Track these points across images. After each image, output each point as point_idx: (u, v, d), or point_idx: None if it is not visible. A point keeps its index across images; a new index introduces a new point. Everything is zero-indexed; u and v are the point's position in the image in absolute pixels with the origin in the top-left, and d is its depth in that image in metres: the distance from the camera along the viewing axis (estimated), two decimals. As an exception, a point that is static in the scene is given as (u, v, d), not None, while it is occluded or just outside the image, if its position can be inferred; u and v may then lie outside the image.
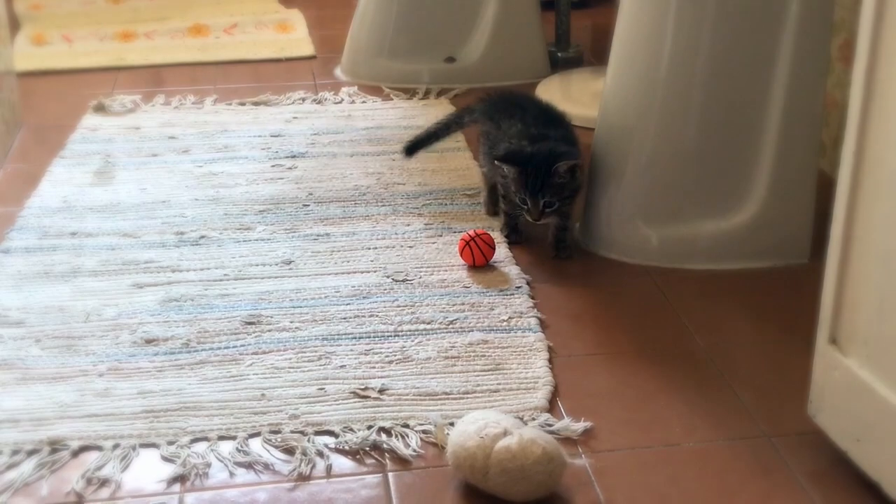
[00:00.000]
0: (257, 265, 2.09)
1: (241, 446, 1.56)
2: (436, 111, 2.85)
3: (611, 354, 1.81)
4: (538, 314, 1.91)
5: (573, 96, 2.97)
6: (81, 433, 1.59)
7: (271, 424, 1.61)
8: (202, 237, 2.20)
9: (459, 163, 2.58)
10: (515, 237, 2.17)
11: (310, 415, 1.63)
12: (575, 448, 1.55)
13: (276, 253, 2.14)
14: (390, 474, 1.51)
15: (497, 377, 1.72)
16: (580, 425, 1.60)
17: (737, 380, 1.72)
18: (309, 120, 2.89)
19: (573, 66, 3.32)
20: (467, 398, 1.67)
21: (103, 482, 1.50)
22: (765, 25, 1.99)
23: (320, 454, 1.55)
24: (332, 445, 1.57)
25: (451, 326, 1.86)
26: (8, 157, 2.68)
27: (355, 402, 1.66)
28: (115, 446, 1.56)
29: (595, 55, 3.39)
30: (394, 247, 2.16)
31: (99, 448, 1.56)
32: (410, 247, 2.16)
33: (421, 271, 2.06)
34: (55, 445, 1.56)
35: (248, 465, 1.53)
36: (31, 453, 1.55)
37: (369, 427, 1.60)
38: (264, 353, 1.79)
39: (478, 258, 2.06)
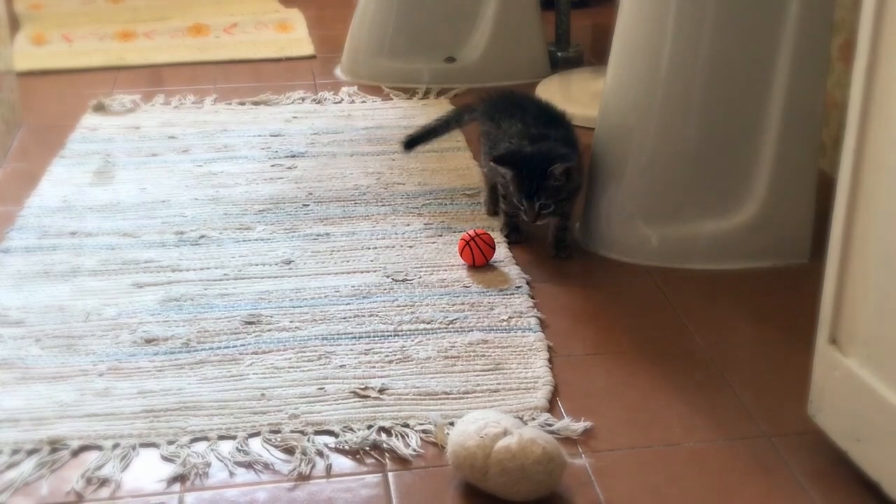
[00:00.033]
0: (257, 265, 2.09)
1: (241, 446, 1.56)
2: (436, 111, 2.85)
3: (611, 354, 1.81)
4: (538, 314, 1.91)
5: (573, 96, 2.97)
6: (81, 433, 1.59)
7: (271, 424, 1.61)
8: (202, 237, 2.21)
9: (459, 162, 2.58)
10: (515, 237, 2.17)
11: (310, 414, 1.63)
12: (575, 448, 1.55)
13: (276, 253, 2.14)
14: (390, 474, 1.51)
15: (497, 377, 1.72)
16: (580, 425, 1.60)
17: (737, 380, 1.72)
18: (309, 120, 2.89)
19: (573, 66, 3.32)
20: (467, 398, 1.67)
21: (103, 482, 1.50)
22: (765, 25, 1.99)
23: (320, 454, 1.55)
24: (332, 445, 1.57)
25: (450, 326, 1.86)
26: (8, 156, 2.68)
27: (355, 401, 1.66)
28: (115, 446, 1.56)
29: (595, 55, 3.39)
30: (394, 246, 2.16)
31: (99, 448, 1.56)
32: (410, 246, 2.16)
33: (421, 271, 2.06)
34: (55, 445, 1.56)
35: (248, 465, 1.53)
36: (31, 453, 1.55)
37: (369, 427, 1.60)
38: (264, 352, 1.79)
39: (478, 258, 2.06)
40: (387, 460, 1.54)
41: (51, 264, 2.10)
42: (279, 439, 1.57)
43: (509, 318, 1.89)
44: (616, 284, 2.05)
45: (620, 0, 2.14)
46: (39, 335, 1.85)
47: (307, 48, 3.54)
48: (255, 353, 1.79)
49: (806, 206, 2.07)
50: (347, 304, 1.94)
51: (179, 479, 1.51)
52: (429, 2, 3.16)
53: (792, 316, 1.89)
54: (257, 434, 1.59)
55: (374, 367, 1.75)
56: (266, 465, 1.53)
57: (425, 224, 2.25)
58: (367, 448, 1.56)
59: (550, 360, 1.77)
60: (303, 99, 3.05)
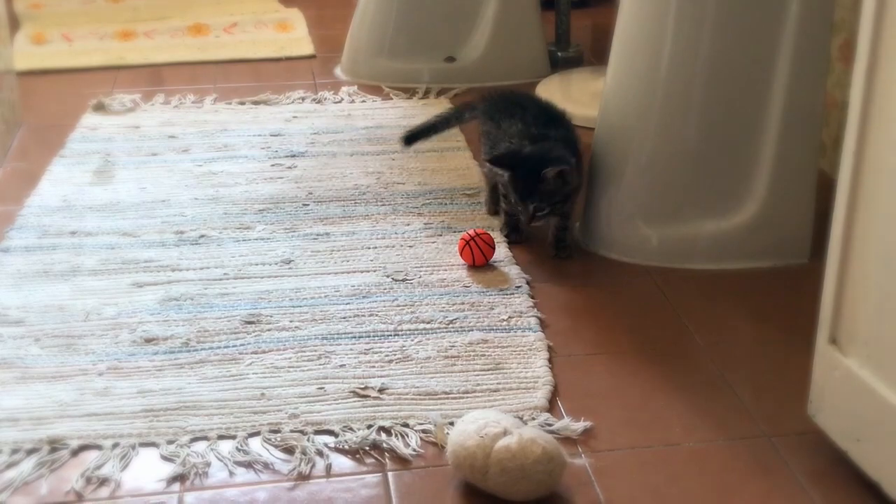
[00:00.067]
0: (257, 264, 2.09)
1: (241, 445, 1.56)
2: (435, 111, 2.83)
3: (611, 354, 1.81)
4: (538, 314, 1.91)
5: (573, 96, 2.97)
6: (81, 432, 1.59)
7: (271, 424, 1.60)
8: (202, 236, 2.20)
9: (459, 162, 2.58)
10: (515, 237, 2.17)
11: (309, 414, 1.62)
12: (575, 448, 1.55)
13: (276, 252, 2.13)
14: (390, 474, 1.51)
15: (497, 377, 1.72)
16: (580, 425, 1.59)
17: (737, 379, 1.72)
18: (309, 119, 2.89)
19: (573, 66, 3.32)
20: (467, 397, 1.66)
21: (103, 481, 1.50)
22: (765, 25, 1.99)
23: (320, 453, 1.55)
24: (332, 445, 1.56)
25: (450, 326, 1.86)
26: (8, 156, 2.68)
27: (355, 401, 1.66)
28: (115, 445, 1.56)
29: (595, 55, 3.39)
30: (393, 246, 2.16)
31: (98, 447, 1.56)
32: (410, 246, 2.16)
33: (421, 271, 2.06)
34: (55, 444, 1.56)
35: (248, 465, 1.53)
36: (30, 452, 1.55)
37: (369, 426, 1.60)
38: (264, 352, 1.79)
39: (478, 258, 2.06)
40: (387, 460, 1.54)
41: (50, 264, 2.10)
42: (279, 439, 1.57)
43: (509, 317, 1.89)
44: (616, 284, 2.05)
45: (620, 0, 2.14)
46: (39, 335, 1.85)
47: (307, 48, 3.54)
48: (255, 353, 1.78)
49: (806, 206, 2.07)
50: (347, 303, 1.94)
51: (179, 478, 1.51)
52: (429, 2, 3.16)
53: (792, 316, 1.89)
54: (257, 434, 1.59)
55: (373, 366, 1.75)
56: (266, 465, 1.53)
57: (425, 224, 2.25)
58: (367, 448, 1.56)
59: (550, 360, 1.77)
60: (303, 98, 3.05)
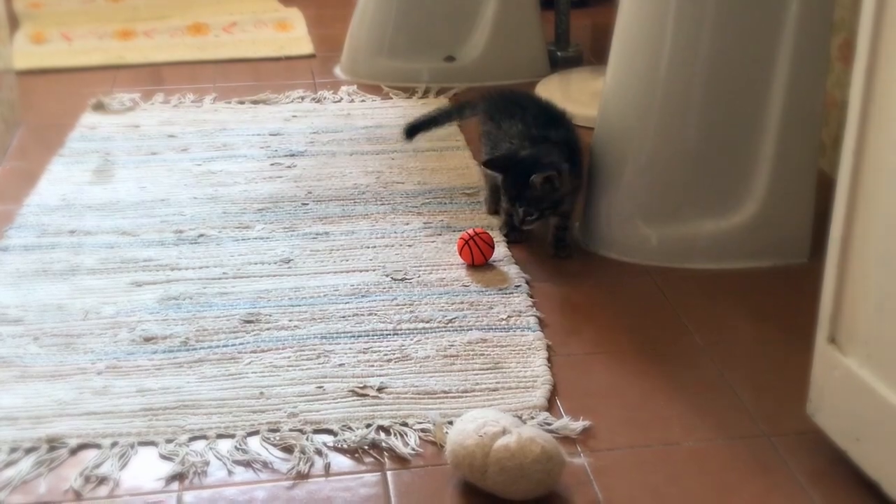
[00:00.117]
0: (256, 264, 2.09)
1: (240, 444, 1.56)
2: (435, 110, 2.85)
3: (610, 353, 1.81)
4: (537, 313, 1.90)
5: (573, 95, 2.97)
6: (80, 431, 1.59)
7: (270, 423, 1.60)
8: (201, 235, 2.20)
9: (459, 162, 2.58)
10: (515, 236, 2.17)
11: (308, 413, 1.62)
12: (574, 447, 1.55)
13: (275, 251, 2.13)
14: (389, 473, 1.51)
15: (496, 376, 1.72)
16: (579, 424, 1.59)
17: (736, 379, 1.72)
18: (308, 118, 2.89)
19: (573, 66, 3.32)
20: (466, 397, 1.66)
21: (102, 480, 1.50)
22: (765, 25, 1.99)
23: (319, 452, 1.55)
24: (331, 444, 1.56)
25: (449, 325, 1.86)
26: (7, 155, 2.68)
27: (354, 400, 1.66)
28: (114, 444, 1.56)
29: (594, 54, 3.39)
30: (393, 245, 2.16)
31: (97, 446, 1.56)
32: (409, 245, 2.15)
33: (420, 270, 2.06)
34: (53, 443, 1.56)
35: (247, 464, 1.53)
36: (29, 451, 1.55)
37: (368, 425, 1.59)
38: (263, 351, 1.79)
39: (477, 257, 2.06)
40: (385, 459, 1.54)
41: (49, 263, 2.10)
42: (278, 438, 1.57)
43: (508, 317, 1.89)
44: (615, 284, 2.05)
45: (620, 0, 2.14)
46: (38, 333, 1.85)
47: (307, 47, 3.54)
48: (254, 352, 1.78)
49: (805, 206, 2.06)
50: (346, 302, 1.94)
51: (178, 477, 1.50)
52: (428, 1, 3.16)
53: (791, 315, 1.89)
54: (256, 433, 1.59)
55: (372, 365, 1.74)
56: (265, 464, 1.53)
57: (424, 223, 2.25)
58: (366, 447, 1.56)
59: (549, 359, 1.77)
60: (302, 98, 3.05)
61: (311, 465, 1.52)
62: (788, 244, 2.08)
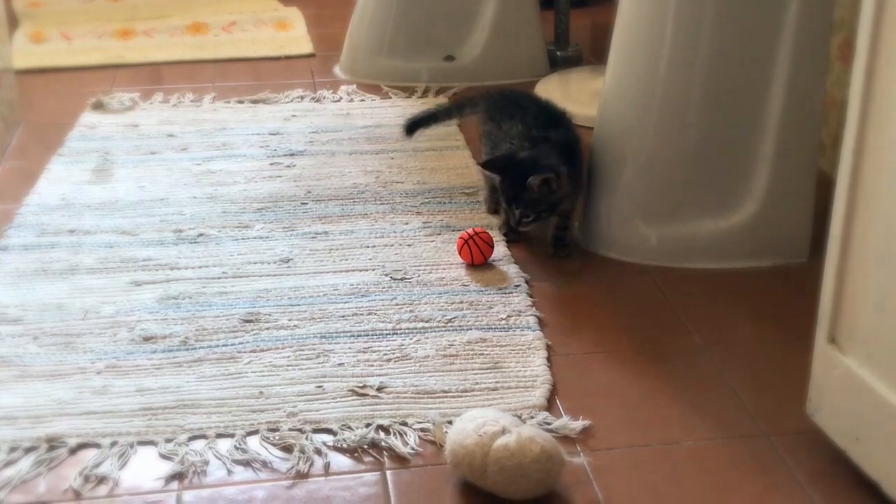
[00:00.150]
0: (255, 263, 2.09)
1: (239, 444, 1.56)
2: (435, 109, 2.85)
3: (609, 353, 1.81)
4: (537, 312, 1.90)
5: (572, 95, 2.97)
6: (79, 430, 1.59)
7: (269, 422, 1.60)
8: (200, 235, 2.20)
9: (458, 161, 2.58)
10: (514, 235, 2.17)
11: (308, 412, 1.62)
12: (573, 446, 1.55)
13: (275, 251, 2.13)
14: (388, 472, 1.51)
15: (495, 375, 1.72)
16: (578, 424, 1.59)
17: (736, 378, 1.72)
18: (307, 118, 2.89)
19: (572, 65, 3.32)
20: (466, 396, 1.66)
21: (101, 480, 1.50)
22: (764, 24, 1.99)
23: (318, 452, 1.55)
24: (331, 443, 1.56)
25: (449, 325, 1.86)
26: (6, 154, 2.68)
27: (353, 399, 1.66)
28: (113, 444, 1.56)
29: (594, 54, 3.39)
30: (392, 245, 2.15)
31: (97, 445, 1.56)
32: (409, 245, 2.15)
33: (419, 269, 2.06)
34: (53, 443, 1.56)
35: (246, 463, 1.53)
36: (28, 450, 1.55)
37: (367, 425, 1.59)
38: (262, 350, 1.79)
39: (476, 256, 2.06)
40: (385, 459, 1.54)
41: (49, 262, 2.10)
42: (277, 437, 1.57)
43: (508, 316, 1.89)
44: (615, 283, 2.05)
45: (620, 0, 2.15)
46: (37, 333, 1.85)
47: (306, 47, 3.53)
48: (254, 352, 1.78)
49: (805, 206, 2.06)
50: (346, 302, 1.94)
51: (177, 477, 1.50)
52: (428, 1, 3.16)
53: (791, 315, 1.89)
54: (255, 432, 1.59)
55: (372, 365, 1.74)
56: (264, 464, 1.53)
57: (424, 223, 2.25)
58: (366, 446, 1.56)
59: (549, 359, 1.77)
60: (302, 97, 3.05)
61: (311, 465, 1.52)
62: (788, 244, 2.08)
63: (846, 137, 1.41)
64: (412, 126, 2.41)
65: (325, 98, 3.04)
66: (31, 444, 1.56)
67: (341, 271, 2.05)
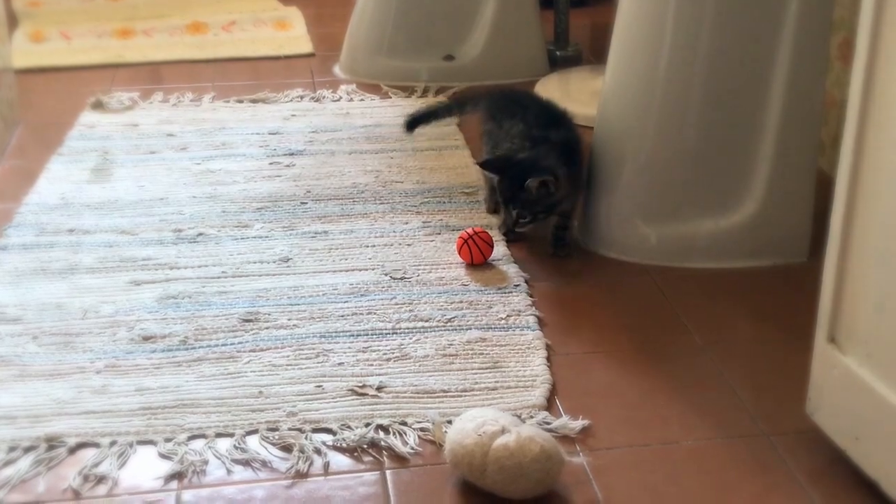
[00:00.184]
0: (255, 262, 2.09)
1: (239, 443, 1.56)
2: (434, 109, 2.85)
3: (609, 353, 1.81)
4: (536, 312, 1.90)
5: (572, 95, 2.97)
6: (78, 430, 1.59)
7: (269, 422, 1.60)
8: (200, 234, 2.20)
9: (458, 161, 2.58)
10: (514, 235, 2.17)
11: (307, 412, 1.62)
12: (573, 446, 1.55)
13: (274, 250, 2.13)
14: (388, 472, 1.51)
15: (495, 375, 1.72)
16: (578, 423, 1.59)
17: (735, 378, 1.72)
18: (307, 117, 2.89)
19: (572, 65, 3.32)
20: (465, 396, 1.66)
21: (100, 479, 1.50)
22: (764, 24, 1.99)
23: (318, 451, 1.55)
24: (330, 443, 1.56)
25: (449, 324, 1.86)
26: (6, 153, 2.68)
27: (353, 399, 1.66)
28: (113, 443, 1.56)
29: (594, 54, 3.39)
30: (392, 244, 2.15)
31: (96, 445, 1.56)
32: (409, 244, 2.15)
33: (419, 269, 2.05)
34: (52, 442, 1.56)
35: (246, 463, 1.53)
36: (27, 450, 1.55)
37: (367, 424, 1.59)
38: (262, 350, 1.79)
39: (476, 256, 2.05)
40: (385, 458, 1.54)
41: (48, 261, 2.09)
42: (277, 437, 1.57)
43: (507, 316, 1.89)
44: (615, 283, 2.05)
45: (619, -1, 2.15)
46: (37, 332, 1.85)
47: (306, 46, 3.53)
48: (253, 351, 1.78)
49: (805, 205, 2.06)
50: (345, 301, 1.94)
51: (177, 476, 1.50)
52: (428, 0, 3.16)
53: (791, 314, 1.89)
54: (255, 432, 1.59)
55: (372, 364, 1.74)
56: (264, 463, 1.53)
57: (423, 222, 2.25)
58: (365, 446, 1.56)
59: (549, 359, 1.77)
60: (301, 97, 3.05)
61: (310, 464, 1.52)
62: (788, 243, 2.08)
63: (846, 137, 1.41)
64: (413, 122, 2.41)
65: (324, 97, 3.04)
66: (31, 444, 1.56)
67: (341, 271, 2.05)
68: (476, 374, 1.72)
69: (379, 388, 1.68)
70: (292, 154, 2.63)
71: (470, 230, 2.07)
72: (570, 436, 1.57)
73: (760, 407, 1.64)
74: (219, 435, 1.58)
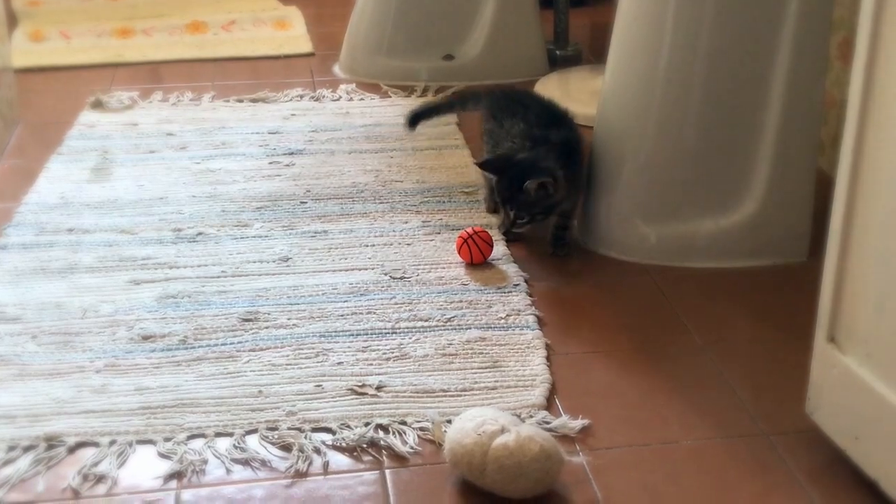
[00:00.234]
0: (255, 262, 2.09)
1: (238, 443, 1.56)
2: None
3: (609, 352, 1.81)
4: (536, 311, 1.90)
5: (572, 94, 2.97)
6: (78, 429, 1.59)
7: (268, 421, 1.60)
8: (199, 234, 2.20)
9: (457, 160, 2.58)
10: (513, 236, 2.17)
11: (307, 411, 1.62)
12: (572, 445, 1.55)
13: (274, 250, 2.13)
14: (387, 471, 1.51)
15: (495, 374, 1.72)
16: (578, 423, 1.59)
17: (735, 377, 1.72)
18: (307, 117, 2.89)
19: (572, 65, 3.31)
20: (465, 395, 1.66)
21: (100, 478, 1.50)
22: (764, 23, 1.99)
23: (317, 451, 1.55)
24: (330, 442, 1.56)
25: (448, 324, 1.86)
26: (5, 153, 2.68)
27: (353, 398, 1.65)
28: (112, 442, 1.56)
29: (594, 53, 3.39)
30: (391, 244, 2.15)
31: (95, 444, 1.56)
32: (408, 244, 2.15)
33: (419, 269, 2.05)
34: (51, 441, 1.56)
35: (245, 462, 1.53)
36: (27, 449, 1.55)
37: (366, 424, 1.59)
38: (261, 349, 1.79)
39: (475, 256, 2.05)
40: (384, 458, 1.54)
41: (48, 261, 2.09)
42: (276, 436, 1.57)
43: (507, 315, 1.89)
44: (614, 283, 2.05)
45: (619, -2, 2.15)
46: (36, 332, 1.85)
47: (305, 46, 3.53)
48: (253, 351, 1.78)
49: (804, 205, 2.06)
50: (345, 301, 1.94)
51: (176, 475, 1.50)
52: (427, 0, 3.16)
53: (790, 314, 1.88)
54: (254, 431, 1.59)
55: (371, 364, 1.74)
56: (263, 463, 1.53)
57: (423, 222, 2.25)
58: (365, 445, 1.56)
59: (548, 358, 1.76)
60: (301, 96, 3.05)
61: (310, 464, 1.52)
62: (787, 243, 2.08)
63: (846, 136, 1.41)
64: (415, 118, 2.41)
65: (324, 97, 3.04)
66: (30, 443, 1.56)
67: (340, 270, 2.05)
68: (475, 373, 1.72)
69: (378, 388, 1.68)
70: (292, 153, 2.63)
71: (469, 230, 2.07)
72: (570, 435, 1.57)
73: (760, 406, 1.64)
74: (218, 434, 1.58)
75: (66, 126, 2.81)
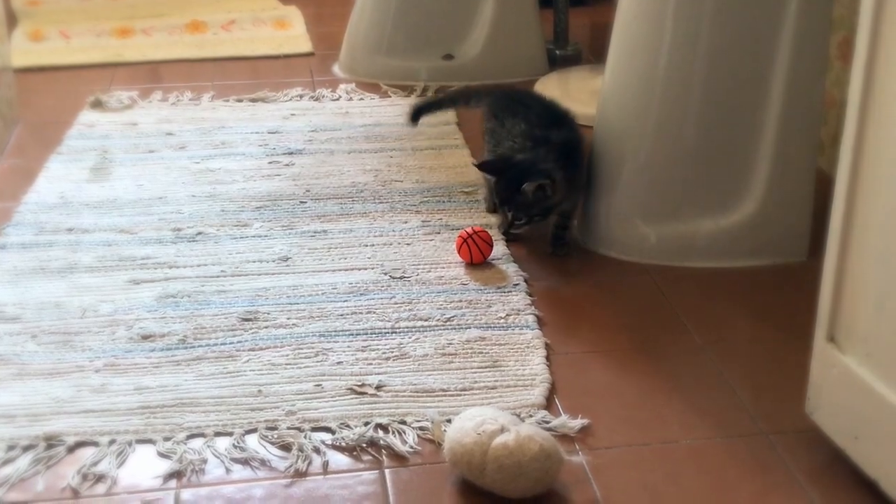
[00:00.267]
0: (254, 262, 2.08)
1: (238, 442, 1.56)
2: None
3: (608, 352, 1.81)
4: (536, 311, 1.90)
5: (571, 94, 2.97)
6: (77, 429, 1.59)
7: (268, 421, 1.60)
8: (199, 233, 2.20)
9: (457, 160, 2.58)
10: (512, 236, 2.17)
11: (306, 411, 1.62)
12: (572, 445, 1.55)
13: (273, 249, 2.13)
14: (387, 471, 1.51)
15: (494, 374, 1.71)
16: (577, 422, 1.59)
17: (735, 377, 1.72)
18: (306, 117, 2.89)
19: (571, 64, 3.32)
20: (464, 395, 1.66)
21: (99, 478, 1.50)
22: (764, 23, 1.99)
23: (317, 450, 1.55)
24: (329, 442, 1.56)
25: (448, 323, 1.86)
26: (4, 152, 2.68)
27: (352, 398, 1.65)
28: (111, 442, 1.56)
29: (593, 53, 3.39)
30: (391, 244, 2.15)
31: (95, 444, 1.56)
32: (408, 244, 2.15)
33: (418, 268, 2.05)
34: (51, 441, 1.56)
35: (245, 462, 1.53)
36: (26, 449, 1.55)
37: (366, 423, 1.59)
38: (261, 349, 1.79)
39: (475, 255, 2.05)
40: (384, 457, 1.54)
41: (47, 260, 2.09)
42: (276, 436, 1.57)
43: (507, 315, 1.89)
44: (614, 282, 2.04)
45: (619, -3, 2.14)
46: (36, 331, 1.85)
47: (305, 45, 3.53)
48: (252, 350, 1.78)
49: (804, 205, 2.06)
50: (345, 300, 1.93)
51: (176, 475, 1.50)
52: (427, -1, 3.17)
53: (790, 314, 1.88)
54: (254, 431, 1.59)
55: (371, 363, 1.74)
56: (262, 462, 1.53)
57: (423, 221, 2.25)
58: (364, 445, 1.56)
59: (548, 358, 1.76)
60: (301, 96, 3.05)
61: (309, 463, 1.52)
62: (787, 243, 2.08)
63: (845, 136, 1.41)
64: (417, 112, 2.41)
65: (324, 97, 3.04)
66: (29, 443, 1.56)
67: (340, 270, 2.05)
68: (475, 373, 1.72)
69: (378, 387, 1.68)
70: (291, 153, 2.63)
71: (469, 229, 2.07)
72: (570, 435, 1.57)
73: (760, 406, 1.64)
74: (218, 434, 1.58)
75: (65, 126, 2.81)
